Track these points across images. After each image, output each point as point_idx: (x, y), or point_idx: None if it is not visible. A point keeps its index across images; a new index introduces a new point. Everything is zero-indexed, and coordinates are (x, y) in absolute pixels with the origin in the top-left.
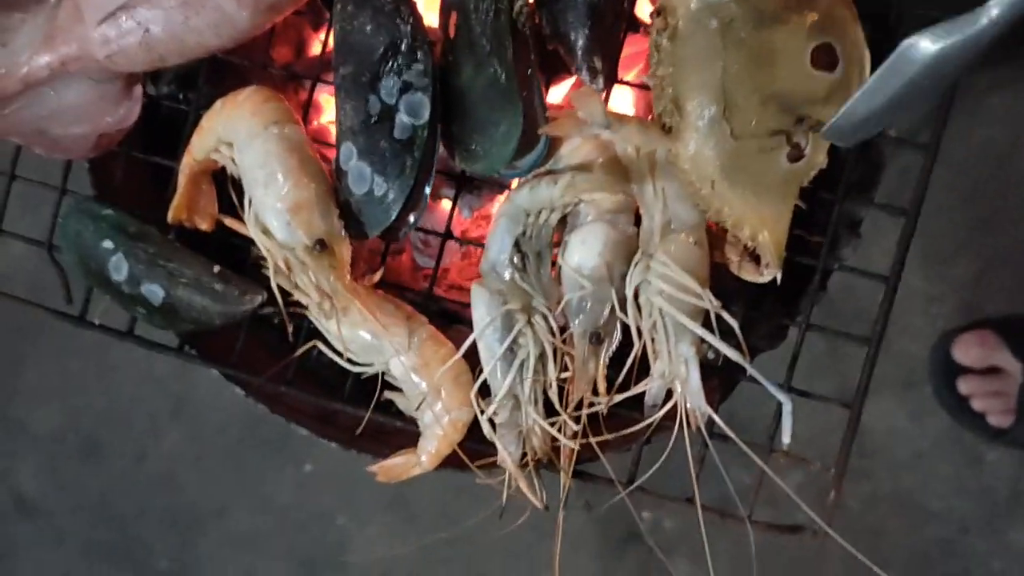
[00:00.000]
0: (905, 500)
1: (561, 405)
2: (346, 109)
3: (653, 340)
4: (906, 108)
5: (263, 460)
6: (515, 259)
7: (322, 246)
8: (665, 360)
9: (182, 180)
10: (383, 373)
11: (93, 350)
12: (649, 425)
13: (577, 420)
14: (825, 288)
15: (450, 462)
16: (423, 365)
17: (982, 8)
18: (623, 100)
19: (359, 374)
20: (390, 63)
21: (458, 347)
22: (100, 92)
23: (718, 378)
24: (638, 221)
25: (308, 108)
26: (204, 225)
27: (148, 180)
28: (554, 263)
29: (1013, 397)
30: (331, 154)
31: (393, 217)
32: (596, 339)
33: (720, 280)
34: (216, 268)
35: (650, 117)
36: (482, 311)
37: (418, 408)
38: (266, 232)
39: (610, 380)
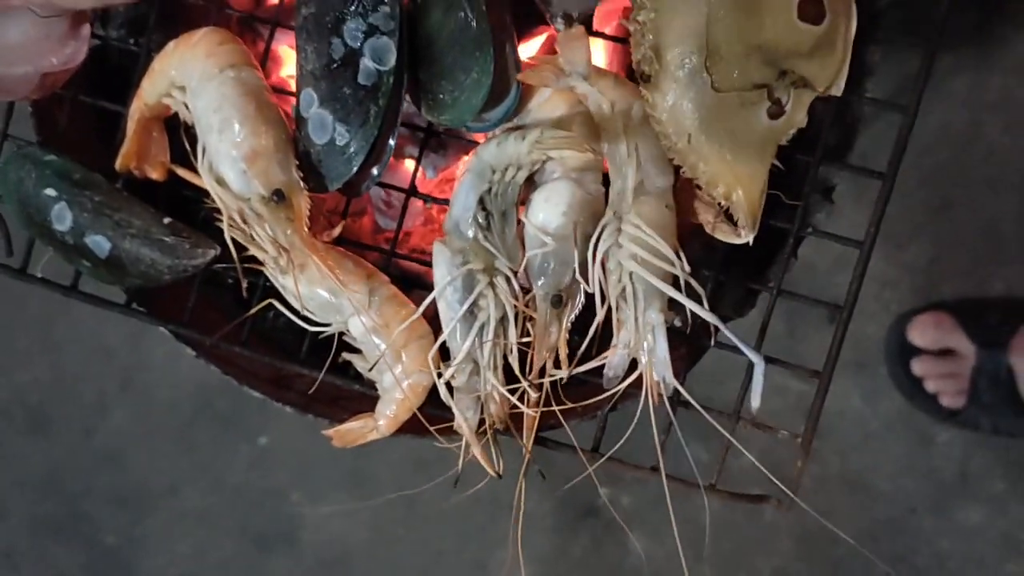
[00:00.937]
0: (855, 480)
1: (522, 371)
2: (307, 52)
3: (618, 307)
4: None
5: (215, 437)
6: (479, 217)
7: (279, 197)
8: (631, 328)
9: (131, 126)
10: (341, 334)
11: (39, 323)
12: (615, 394)
13: (538, 387)
14: (796, 256)
15: (408, 428)
16: (383, 325)
17: None
18: (599, 55)
19: (316, 335)
20: (355, 4)
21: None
22: (45, 30)
23: (685, 346)
24: (605, 182)
25: (266, 58)
26: (155, 174)
27: (96, 126)
28: (520, 223)
29: (966, 379)
30: (291, 108)
31: (355, 169)
32: (558, 301)
33: (687, 246)
34: (166, 219)
35: (625, 76)
36: (443, 270)
37: (372, 369)
38: (220, 182)
39: (574, 347)
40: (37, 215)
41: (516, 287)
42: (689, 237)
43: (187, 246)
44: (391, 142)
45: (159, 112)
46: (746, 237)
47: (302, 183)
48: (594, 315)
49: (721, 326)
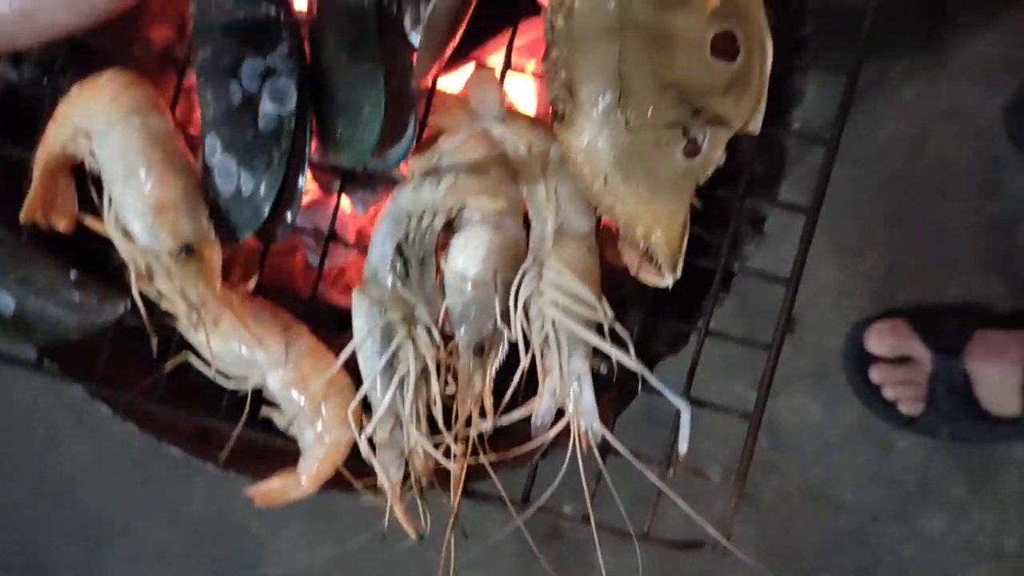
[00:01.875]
0: (816, 492)
1: (447, 423)
2: (207, 97)
3: (543, 355)
4: None
5: (171, 469)
6: (397, 265)
7: (189, 251)
8: (556, 376)
9: (37, 174)
10: (261, 388)
11: None
12: (542, 443)
13: (464, 440)
14: (728, 290)
15: (334, 484)
16: (301, 380)
17: None
18: (523, 91)
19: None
20: (252, 45)
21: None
22: None
23: (614, 390)
24: (527, 224)
25: (178, 95)
26: (62, 225)
27: (0, 175)
28: (440, 270)
29: (923, 385)
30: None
31: (264, 217)
32: (480, 350)
33: (616, 283)
34: (74, 274)
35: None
36: (361, 321)
37: (292, 426)
38: (127, 235)
39: (500, 395)
40: None
41: (437, 337)
42: (622, 273)
43: (95, 302)
44: (300, 184)
45: (65, 160)
46: (668, 280)
47: (213, 234)
48: (520, 361)
49: (646, 374)
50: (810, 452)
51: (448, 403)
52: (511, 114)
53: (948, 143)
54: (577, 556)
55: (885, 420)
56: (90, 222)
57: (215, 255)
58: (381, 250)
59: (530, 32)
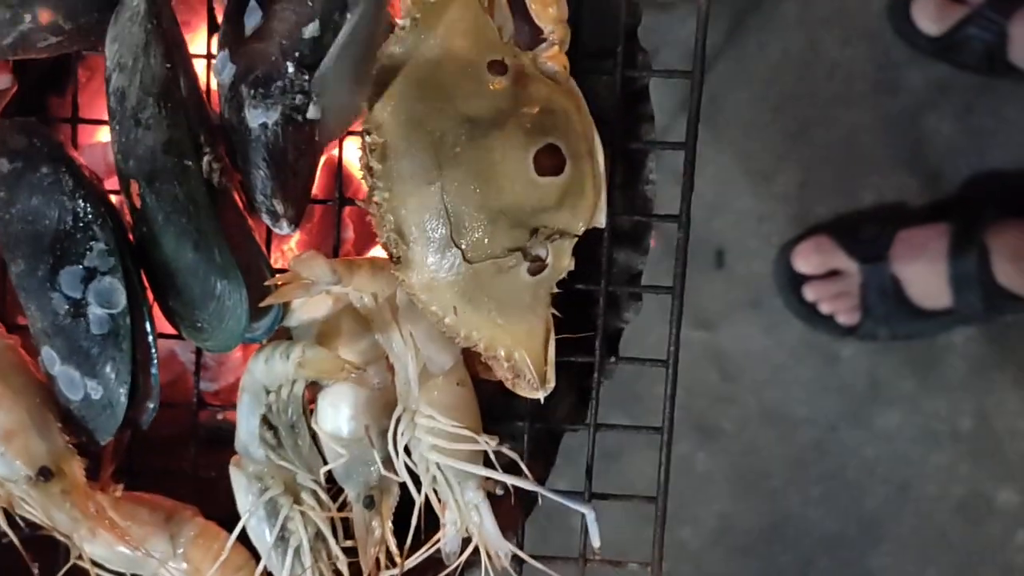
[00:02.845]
0: (773, 413)
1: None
2: (32, 311)
3: (436, 492)
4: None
5: None
6: (267, 436)
7: (47, 474)
8: (454, 509)
9: None
10: None
11: None
12: (458, 567)
13: None
14: (616, 356)
15: None
16: (194, 571)
17: None
18: None
19: None
20: (64, 251)
21: None
22: None
23: (516, 499)
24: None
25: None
26: None
27: None
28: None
29: (856, 295)
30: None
31: (121, 420)
32: (370, 502)
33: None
34: None
35: None
36: (242, 499)
37: None
38: None
39: (403, 535)
40: None
41: (325, 497)
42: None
43: None
44: (153, 372)
45: None
46: (542, 393)
47: (70, 447)
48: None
49: (541, 490)
50: (760, 377)
51: (354, 556)
52: (347, 268)
53: (837, 49)
54: None
55: (826, 333)
56: None
57: (77, 469)
58: (247, 426)
59: None
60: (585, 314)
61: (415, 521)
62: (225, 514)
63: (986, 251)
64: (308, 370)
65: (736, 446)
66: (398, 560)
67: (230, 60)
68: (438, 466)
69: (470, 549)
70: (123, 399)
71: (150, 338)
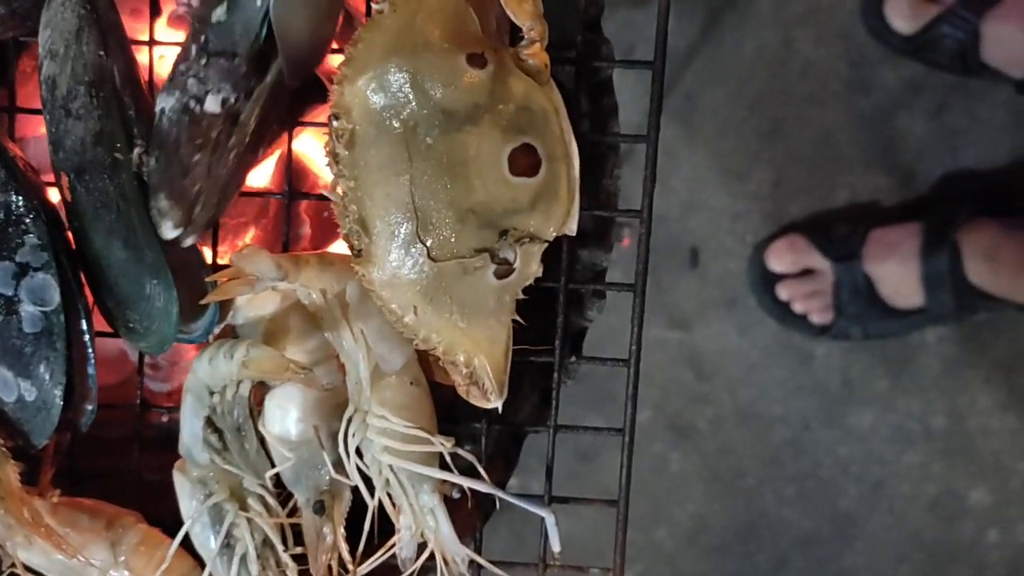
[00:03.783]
0: (747, 412)
1: None
2: None
3: (390, 495)
4: None
5: None
6: (212, 440)
7: None
8: (408, 513)
9: None
10: None
11: None
12: (412, 574)
13: None
14: (579, 354)
15: None
16: None
17: None
18: None
19: None
20: None
21: None
22: None
23: (474, 503)
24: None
25: None
26: None
27: None
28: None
29: (829, 293)
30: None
31: (56, 422)
32: (321, 507)
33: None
34: None
35: None
36: (186, 505)
37: None
38: None
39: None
40: None
41: (272, 502)
42: None
43: None
44: (90, 372)
45: None
46: (497, 402)
47: (5, 449)
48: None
49: (499, 493)
50: (735, 376)
51: (305, 564)
52: (293, 264)
53: (811, 48)
54: None
55: (800, 333)
56: None
57: (11, 474)
58: (191, 428)
59: None
60: (545, 312)
61: (368, 526)
62: (173, 519)
63: (958, 250)
64: (252, 370)
65: (711, 445)
66: (351, 567)
67: None
68: (391, 468)
69: (426, 555)
70: (58, 400)
71: (86, 337)
